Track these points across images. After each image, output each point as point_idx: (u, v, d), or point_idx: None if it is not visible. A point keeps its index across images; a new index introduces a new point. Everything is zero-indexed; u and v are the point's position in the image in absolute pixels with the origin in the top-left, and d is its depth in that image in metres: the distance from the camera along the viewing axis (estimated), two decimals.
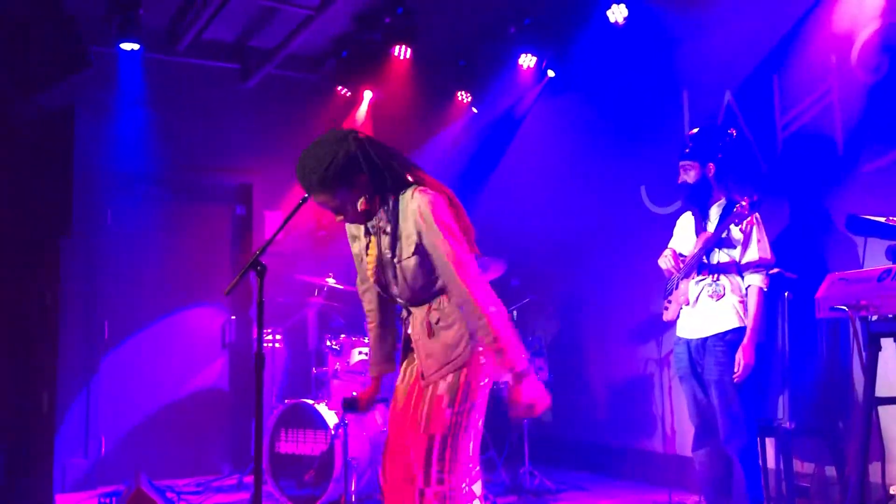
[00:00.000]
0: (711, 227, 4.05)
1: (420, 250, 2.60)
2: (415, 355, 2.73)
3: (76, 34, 4.22)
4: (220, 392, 6.39)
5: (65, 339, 5.21)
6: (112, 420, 5.92)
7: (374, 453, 4.88)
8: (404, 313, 2.82)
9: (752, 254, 3.94)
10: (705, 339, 3.99)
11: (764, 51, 4.84)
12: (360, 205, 2.68)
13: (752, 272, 3.94)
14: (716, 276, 3.98)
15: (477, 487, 2.62)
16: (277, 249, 6.10)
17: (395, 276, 2.68)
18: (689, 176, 4.13)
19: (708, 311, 3.99)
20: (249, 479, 5.44)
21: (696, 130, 4.24)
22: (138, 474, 3.95)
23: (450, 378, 2.59)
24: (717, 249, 4.00)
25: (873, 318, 2.39)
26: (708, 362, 3.96)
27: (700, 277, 4.03)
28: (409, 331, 2.76)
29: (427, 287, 2.66)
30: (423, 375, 2.66)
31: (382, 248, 2.71)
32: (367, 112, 6.87)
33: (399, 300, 2.77)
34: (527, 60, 6.18)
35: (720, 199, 4.11)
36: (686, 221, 4.28)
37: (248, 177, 6.64)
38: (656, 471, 5.36)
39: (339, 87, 6.71)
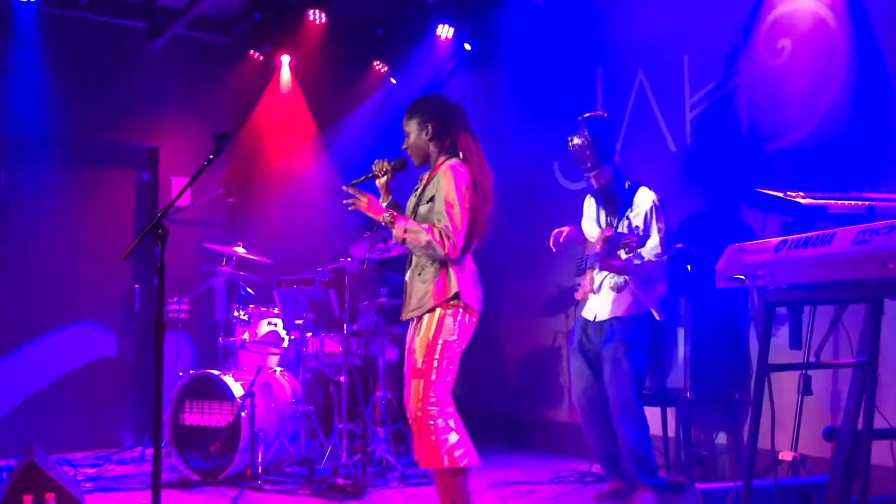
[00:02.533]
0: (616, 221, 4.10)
1: (431, 201, 3.23)
2: None
3: None
4: (123, 362, 6.18)
5: None
6: (4, 392, 5.65)
7: (281, 425, 4.82)
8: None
9: (653, 242, 3.97)
10: (602, 322, 4.10)
11: (676, 31, 4.93)
12: (421, 138, 3.34)
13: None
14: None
15: (452, 421, 3.20)
16: (185, 217, 5.91)
17: (413, 216, 3.30)
18: (604, 179, 4.11)
19: (608, 298, 4.10)
20: (151, 451, 5.29)
21: (582, 142, 4.09)
22: (31, 447, 3.79)
23: (421, 333, 3.21)
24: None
25: (770, 289, 2.47)
26: (603, 340, 4.06)
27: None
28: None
29: None
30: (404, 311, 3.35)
31: (417, 191, 3.38)
32: (292, 78, 6.72)
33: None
34: (444, 31, 6.14)
35: (627, 185, 4.15)
36: (591, 206, 4.32)
37: (154, 141, 6.39)
38: (563, 441, 5.47)
39: (252, 52, 6.53)
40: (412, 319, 3.33)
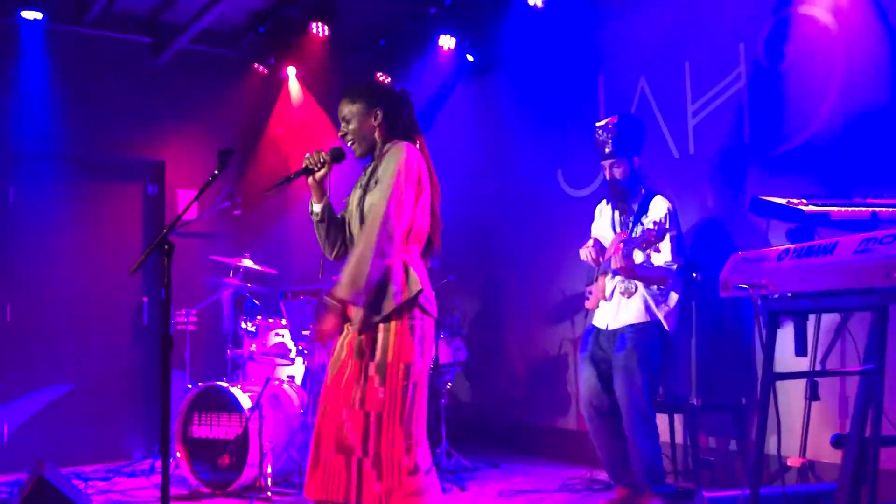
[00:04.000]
0: (632, 225, 4.09)
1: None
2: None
3: None
4: (132, 375, 6.20)
5: None
6: (15, 405, 5.68)
7: (290, 436, 4.84)
8: None
9: (665, 255, 3.96)
10: (615, 330, 4.10)
11: (677, 38, 4.95)
12: (368, 124, 2.93)
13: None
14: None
15: (422, 461, 2.72)
16: (192, 230, 5.95)
17: (360, 211, 2.86)
18: (618, 172, 4.09)
19: (620, 305, 4.09)
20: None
21: (610, 123, 4.10)
22: (40, 461, 3.81)
23: (378, 356, 2.72)
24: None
25: (774, 297, 2.48)
26: (616, 348, 4.06)
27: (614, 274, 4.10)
28: None
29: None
30: (350, 320, 2.84)
31: (361, 184, 2.93)
32: (302, 88, 6.75)
33: (353, 234, 2.91)
34: (447, 42, 6.17)
35: (640, 192, 4.15)
36: (605, 211, 4.32)
37: (160, 154, 6.43)
38: (571, 449, 5.47)
39: (257, 65, 6.57)
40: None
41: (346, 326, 2.88)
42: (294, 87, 6.73)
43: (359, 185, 2.96)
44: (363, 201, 2.84)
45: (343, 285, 2.69)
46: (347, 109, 2.96)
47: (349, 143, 2.99)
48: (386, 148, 2.93)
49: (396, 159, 2.81)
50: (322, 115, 6.81)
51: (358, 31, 6.48)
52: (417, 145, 2.95)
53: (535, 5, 5.49)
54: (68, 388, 5.92)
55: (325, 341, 2.80)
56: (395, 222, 2.73)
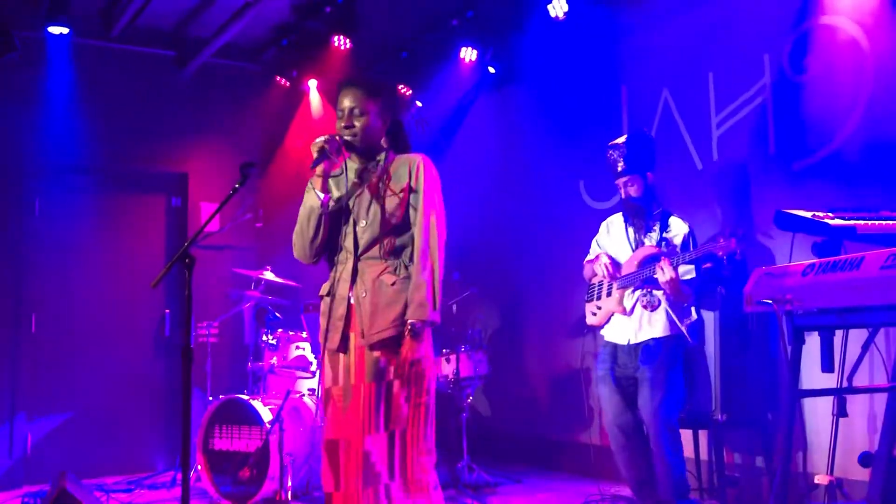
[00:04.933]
0: (650, 240, 4.06)
1: (406, 194, 2.77)
2: (356, 314, 2.76)
3: None
4: (155, 387, 6.24)
5: None
6: (40, 416, 5.73)
7: (311, 449, 4.83)
8: (339, 272, 2.84)
9: (690, 272, 3.94)
10: (637, 344, 4.04)
11: (700, 48, 4.91)
12: (378, 124, 2.84)
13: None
14: (653, 288, 4.00)
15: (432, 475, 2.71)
16: (214, 242, 5.98)
17: (368, 211, 2.78)
18: (633, 190, 4.09)
19: (643, 319, 4.04)
20: None
21: (622, 141, 4.13)
22: (63, 473, 3.83)
23: (402, 372, 2.66)
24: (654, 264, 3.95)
25: (799, 313, 2.43)
26: (640, 362, 4.00)
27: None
28: (347, 290, 2.80)
29: (393, 231, 2.76)
30: (363, 334, 2.73)
31: (366, 186, 2.83)
32: (322, 102, 6.78)
33: (359, 240, 2.80)
34: (468, 53, 6.17)
35: (657, 210, 4.12)
36: (618, 226, 4.28)
37: (183, 167, 6.48)
38: (592, 463, 5.41)
39: (279, 78, 6.61)
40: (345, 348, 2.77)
41: (338, 354, 2.80)
42: (315, 99, 6.77)
43: (353, 185, 2.83)
44: (381, 201, 2.77)
45: (424, 308, 2.65)
46: (362, 102, 2.81)
47: (350, 136, 2.83)
48: (393, 157, 2.88)
49: (431, 174, 2.81)
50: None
51: (380, 44, 6.50)
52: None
53: (557, 17, 5.47)
54: (90, 400, 5.95)
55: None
56: (442, 234, 2.79)
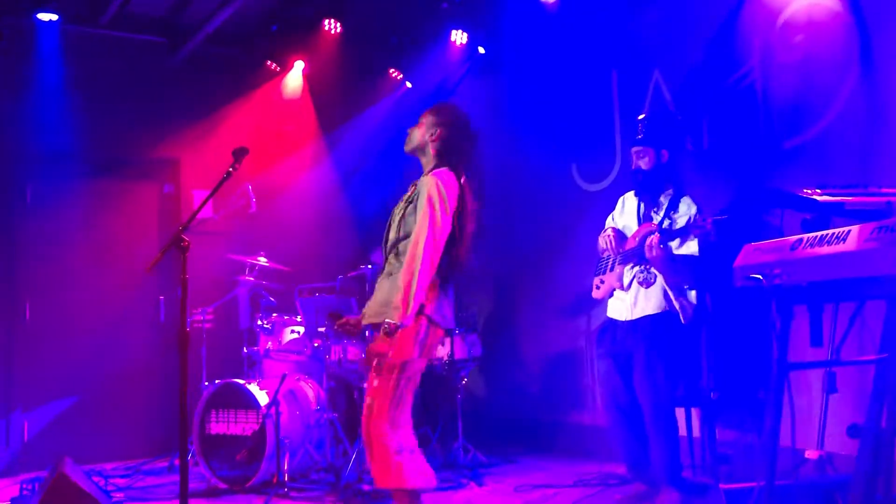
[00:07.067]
0: (657, 217, 4.06)
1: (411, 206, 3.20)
2: None
3: None
4: (151, 373, 6.25)
5: None
6: (36, 405, 5.75)
7: (306, 432, 4.86)
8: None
9: (692, 247, 3.94)
10: (634, 321, 4.07)
11: (691, 29, 4.92)
12: (422, 140, 3.32)
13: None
14: (649, 264, 4.02)
15: (406, 441, 3.12)
16: (208, 228, 5.97)
17: (399, 223, 3.25)
18: (644, 162, 4.09)
19: (638, 295, 4.06)
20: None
21: (643, 117, 4.17)
22: (61, 459, 3.85)
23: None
24: None
25: (787, 287, 2.46)
26: (634, 340, 4.03)
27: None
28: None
29: (402, 239, 3.21)
30: (364, 314, 3.29)
31: (407, 199, 3.28)
32: (304, 84, 6.76)
33: (386, 245, 3.30)
34: (458, 37, 6.17)
35: (669, 189, 4.12)
36: (630, 203, 4.29)
37: (175, 154, 6.47)
38: (587, 443, 5.45)
39: (270, 63, 6.60)
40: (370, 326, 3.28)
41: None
42: (294, 79, 6.73)
43: (405, 198, 3.30)
44: (401, 218, 3.22)
45: (398, 310, 3.02)
46: (424, 116, 3.34)
47: (408, 136, 3.37)
48: (428, 172, 3.26)
49: (427, 190, 3.13)
50: (328, 108, 6.86)
51: (370, 27, 6.49)
52: (461, 178, 3.23)
53: (547, 0, 5.47)
54: (87, 386, 5.97)
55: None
56: (433, 251, 3.07)
